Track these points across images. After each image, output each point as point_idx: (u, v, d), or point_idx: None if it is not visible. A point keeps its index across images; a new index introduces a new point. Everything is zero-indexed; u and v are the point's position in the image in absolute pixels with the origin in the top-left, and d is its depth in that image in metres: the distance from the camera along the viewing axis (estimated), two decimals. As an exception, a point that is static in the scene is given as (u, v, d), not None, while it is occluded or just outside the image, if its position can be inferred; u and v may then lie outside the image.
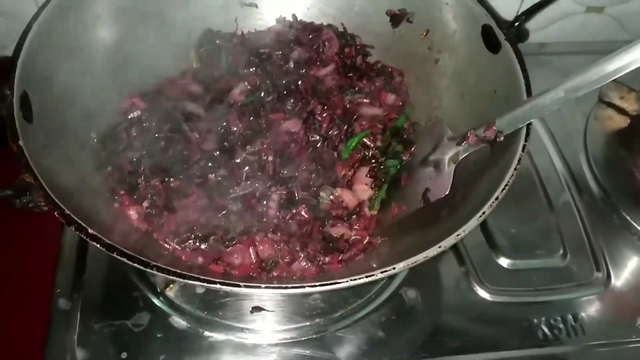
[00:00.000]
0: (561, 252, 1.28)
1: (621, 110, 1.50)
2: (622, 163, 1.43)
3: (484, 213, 0.87)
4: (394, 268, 0.81)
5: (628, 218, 1.33)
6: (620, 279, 1.25)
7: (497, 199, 0.89)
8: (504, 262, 1.25)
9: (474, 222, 0.86)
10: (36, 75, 0.99)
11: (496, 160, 0.99)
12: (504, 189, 0.90)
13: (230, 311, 1.12)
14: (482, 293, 1.20)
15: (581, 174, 1.42)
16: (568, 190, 1.39)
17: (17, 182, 0.84)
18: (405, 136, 1.20)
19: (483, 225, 1.28)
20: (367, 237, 1.08)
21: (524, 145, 0.95)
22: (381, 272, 0.81)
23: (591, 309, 1.20)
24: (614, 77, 0.87)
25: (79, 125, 1.08)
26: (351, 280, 0.80)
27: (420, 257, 0.83)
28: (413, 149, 1.17)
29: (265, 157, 1.14)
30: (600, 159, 1.44)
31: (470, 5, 1.15)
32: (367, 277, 0.80)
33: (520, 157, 0.93)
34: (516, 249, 1.27)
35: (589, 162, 1.43)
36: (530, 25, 1.51)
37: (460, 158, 1.04)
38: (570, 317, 1.19)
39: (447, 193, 1.04)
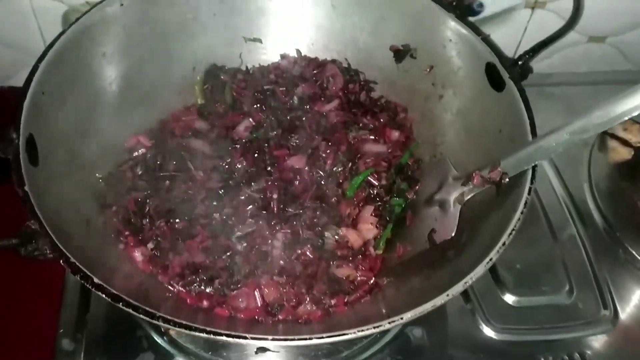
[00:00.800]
0: (567, 288, 1.26)
1: (625, 142, 1.49)
2: (626, 196, 1.41)
3: (491, 259, 0.87)
4: (401, 318, 0.80)
5: (633, 252, 1.32)
6: (627, 315, 1.23)
7: (504, 244, 0.88)
8: (509, 298, 1.24)
9: (481, 269, 0.86)
10: (42, 116, 1.00)
11: (502, 202, 0.99)
12: (510, 234, 0.89)
13: (234, 352, 1.11)
14: (488, 331, 1.19)
15: (585, 206, 1.40)
16: (572, 222, 1.38)
17: (22, 230, 0.84)
18: (409, 173, 1.20)
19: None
20: (373, 278, 1.07)
21: (530, 188, 0.95)
22: (389, 323, 0.80)
23: (599, 347, 1.19)
24: (620, 121, 0.86)
25: (84, 165, 1.08)
26: (359, 331, 0.79)
27: (428, 306, 0.82)
28: (418, 186, 1.17)
29: (270, 195, 1.14)
30: (604, 190, 1.43)
31: (473, 43, 1.15)
32: (375, 327, 0.80)
33: (526, 201, 0.93)
34: (521, 284, 1.26)
35: (593, 193, 1.42)
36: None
37: (466, 199, 1.04)
38: (577, 355, 1.17)
39: (452, 235, 1.03)
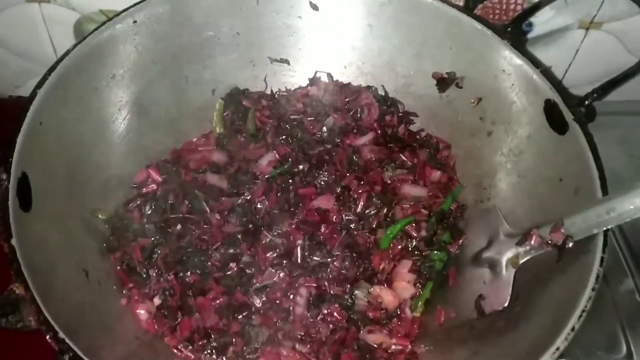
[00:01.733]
0: (624, 352, 1.11)
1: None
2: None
3: (557, 349, 0.73)
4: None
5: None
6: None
7: (573, 329, 0.74)
8: (557, 365, 1.09)
9: (546, 360, 0.72)
10: (38, 151, 0.88)
11: (565, 271, 0.85)
12: (581, 316, 0.75)
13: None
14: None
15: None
16: (631, 276, 1.23)
17: (4, 295, 0.72)
18: (452, 221, 1.06)
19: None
20: (409, 346, 0.93)
21: (602, 258, 0.80)
22: None
23: None
24: None
25: (85, 204, 0.97)
26: None
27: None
28: (462, 239, 1.03)
29: (293, 240, 1.01)
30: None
31: (531, 76, 1.01)
32: None
33: (598, 274, 0.79)
34: (571, 346, 1.11)
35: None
36: (579, 79, 1.37)
37: (521, 262, 0.90)
38: None
39: (505, 305, 0.89)
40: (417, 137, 1.18)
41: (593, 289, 0.78)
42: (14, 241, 0.75)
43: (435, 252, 1.02)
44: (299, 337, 0.92)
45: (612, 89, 0.97)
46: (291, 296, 0.96)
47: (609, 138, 1.47)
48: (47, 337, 0.70)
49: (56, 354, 0.70)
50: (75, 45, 0.96)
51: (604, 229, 0.82)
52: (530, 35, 1.35)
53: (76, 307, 0.79)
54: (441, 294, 1.00)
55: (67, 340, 0.69)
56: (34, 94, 0.89)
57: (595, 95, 0.96)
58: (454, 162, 1.15)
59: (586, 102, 0.97)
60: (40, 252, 0.80)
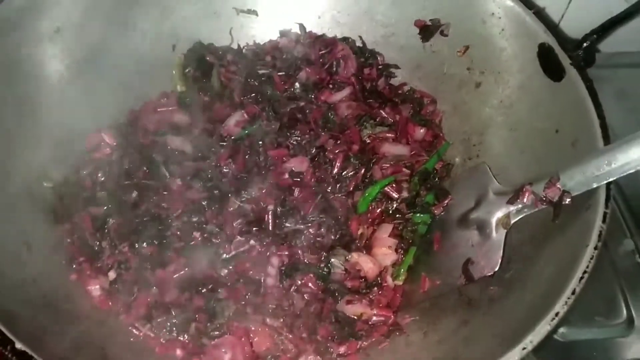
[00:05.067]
0: (625, 317, 1.05)
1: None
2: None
3: (557, 314, 0.65)
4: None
5: None
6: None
7: (574, 292, 0.66)
8: (555, 330, 1.02)
9: (544, 328, 0.65)
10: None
11: (563, 230, 0.77)
12: (582, 278, 0.67)
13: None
14: (531, 371, 0.98)
15: (647, 216, 1.18)
16: (630, 236, 1.15)
17: None
18: (437, 182, 0.98)
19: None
20: (392, 316, 0.85)
21: (605, 214, 0.72)
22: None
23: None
24: None
25: (31, 169, 0.87)
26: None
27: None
28: (447, 200, 0.95)
29: (264, 206, 0.93)
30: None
31: (523, 19, 0.93)
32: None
33: (601, 231, 0.70)
34: (569, 312, 1.04)
35: (655, 204, 1.20)
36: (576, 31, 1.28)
37: (513, 222, 0.82)
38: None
39: (496, 270, 0.81)
40: (399, 91, 1.10)
41: (595, 248, 0.70)
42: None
43: (418, 214, 0.95)
44: (270, 310, 0.83)
45: (612, 28, 0.89)
46: (262, 267, 0.87)
47: (605, 92, 1.38)
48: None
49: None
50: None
51: (606, 182, 0.73)
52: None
53: (14, 287, 0.70)
54: (425, 260, 0.93)
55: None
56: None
57: (594, 36, 0.88)
58: (440, 119, 1.07)
59: (584, 45, 0.88)
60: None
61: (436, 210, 0.95)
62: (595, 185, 0.74)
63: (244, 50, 1.11)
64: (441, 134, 1.05)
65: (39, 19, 0.90)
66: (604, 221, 0.72)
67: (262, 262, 0.88)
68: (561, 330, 1.02)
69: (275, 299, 0.86)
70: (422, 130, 1.02)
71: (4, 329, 0.60)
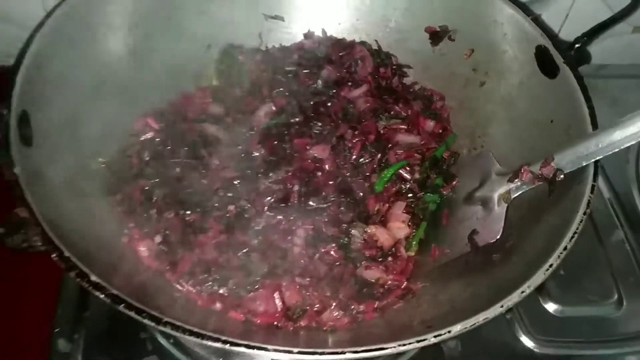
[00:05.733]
0: (615, 297, 1.16)
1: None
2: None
3: (551, 266, 0.75)
4: (449, 331, 0.69)
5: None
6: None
7: (565, 248, 0.77)
8: (551, 307, 1.13)
9: (540, 277, 0.75)
10: (38, 92, 0.88)
11: (557, 202, 0.87)
12: (573, 237, 0.78)
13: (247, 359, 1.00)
14: (528, 342, 1.09)
15: (634, 208, 1.29)
16: (620, 227, 1.26)
17: (8, 217, 0.73)
18: (445, 168, 1.08)
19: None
20: (405, 282, 0.95)
21: (593, 186, 0.83)
22: (434, 337, 0.68)
23: (652, 364, 1.07)
24: None
25: (85, 147, 0.97)
26: (400, 345, 0.67)
27: (479, 318, 0.71)
28: (455, 182, 1.05)
29: (290, 186, 1.02)
30: (655, 192, 1.31)
31: (522, 24, 1.04)
32: (418, 341, 0.68)
33: (590, 200, 0.81)
34: (565, 292, 1.15)
35: (642, 195, 1.31)
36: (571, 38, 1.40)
37: (513, 197, 0.92)
38: (628, 373, 1.06)
39: (498, 237, 0.91)
40: (411, 89, 1.19)
41: (584, 213, 0.80)
42: (16, 170, 0.76)
43: (429, 194, 1.04)
44: (298, 272, 0.93)
45: (600, 31, 1.00)
46: (289, 237, 0.97)
47: (600, 101, 1.50)
48: (53, 256, 0.70)
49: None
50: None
51: (594, 160, 0.84)
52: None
53: (78, 239, 0.79)
54: (435, 234, 1.02)
55: (73, 259, 0.70)
56: (31, 37, 0.90)
57: (584, 38, 0.99)
58: (448, 114, 1.17)
59: (576, 46, 0.99)
60: (41, 186, 0.81)
61: (445, 191, 1.05)
62: (584, 164, 0.84)
63: (271, 52, 1.22)
64: (449, 127, 1.15)
65: (96, 12, 1.00)
66: (592, 192, 0.82)
67: (289, 234, 0.98)
68: (559, 307, 1.13)
69: (300, 265, 0.95)
70: (431, 123, 1.12)
71: (81, 266, 0.71)
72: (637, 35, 1.54)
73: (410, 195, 1.04)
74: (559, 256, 0.76)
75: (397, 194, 1.05)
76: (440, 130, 1.14)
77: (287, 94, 1.14)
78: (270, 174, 1.04)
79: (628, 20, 1.43)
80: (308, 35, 1.22)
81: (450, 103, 1.17)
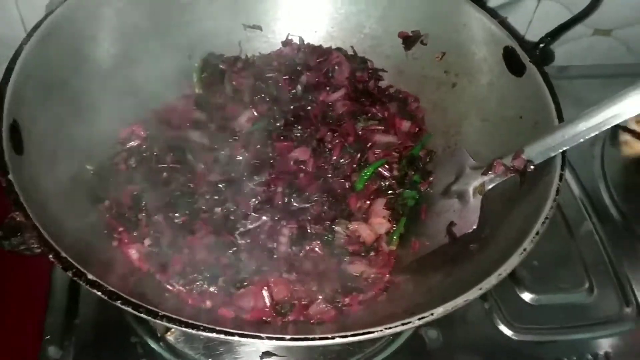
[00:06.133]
0: (587, 285, 1.21)
1: (638, 135, 1.44)
2: (641, 190, 1.37)
3: (525, 250, 0.80)
4: (432, 314, 0.73)
5: (652, 247, 1.26)
6: (651, 312, 1.17)
7: (537, 233, 0.81)
8: (527, 296, 1.18)
9: (515, 260, 0.79)
10: (27, 102, 0.91)
11: (529, 192, 0.92)
12: (544, 222, 0.83)
13: (237, 356, 1.03)
14: (506, 331, 1.13)
15: (601, 201, 1.35)
16: (589, 218, 1.32)
17: (6, 221, 0.75)
18: (422, 165, 1.13)
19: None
20: (387, 275, 0.99)
21: (562, 175, 0.88)
22: (418, 319, 0.72)
23: (623, 346, 1.13)
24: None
25: (73, 155, 0.99)
26: (386, 328, 0.71)
27: (459, 301, 0.75)
28: (431, 178, 1.10)
29: (273, 188, 1.06)
30: (620, 185, 1.37)
31: (490, 27, 1.09)
32: (403, 324, 0.72)
33: (559, 187, 0.86)
34: (539, 282, 1.20)
35: (608, 188, 1.37)
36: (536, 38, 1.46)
37: (487, 189, 0.97)
38: (601, 355, 1.11)
39: (474, 227, 0.96)
40: (387, 92, 1.24)
41: (554, 200, 0.85)
42: (10, 176, 0.78)
43: (407, 190, 1.08)
44: (285, 269, 0.96)
45: (563, 31, 1.07)
46: (275, 236, 1.01)
47: (565, 100, 1.57)
48: (51, 256, 0.73)
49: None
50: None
51: (560, 150, 0.89)
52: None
53: (73, 241, 0.82)
54: (414, 228, 1.06)
55: (70, 259, 0.73)
56: (20, 49, 0.93)
57: (548, 38, 1.05)
58: (423, 114, 1.22)
59: (540, 45, 1.05)
60: (35, 192, 0.83)
61: (422, 187, 1.10)
62: (552, 154, 0.89)
63: (250, 60, 1.26)
64: (424, 127, 1.20)
65: (81, 24, 1.03)
66: (560, 180, 0.87)
67: (275, 233, 1.01)
68: (535, 296, 1.18)
69: (287, 262, 0.98)
70: (407, 124, 1.17)
71: (77, 265, 0.73)
72: (598, 38, 1.61)
73: (389, 192, 1.09)
74: (532, 240, 0.80)
75: (377, 192, 1.09)
76: (416, 130, 1.18)
77: (267, 99, 1.17)
78: (255, 177, 1.07)
79: (588, 23, 1.51)
80: (286, 43, 1.26)
81: (425, 104, 1.22)
